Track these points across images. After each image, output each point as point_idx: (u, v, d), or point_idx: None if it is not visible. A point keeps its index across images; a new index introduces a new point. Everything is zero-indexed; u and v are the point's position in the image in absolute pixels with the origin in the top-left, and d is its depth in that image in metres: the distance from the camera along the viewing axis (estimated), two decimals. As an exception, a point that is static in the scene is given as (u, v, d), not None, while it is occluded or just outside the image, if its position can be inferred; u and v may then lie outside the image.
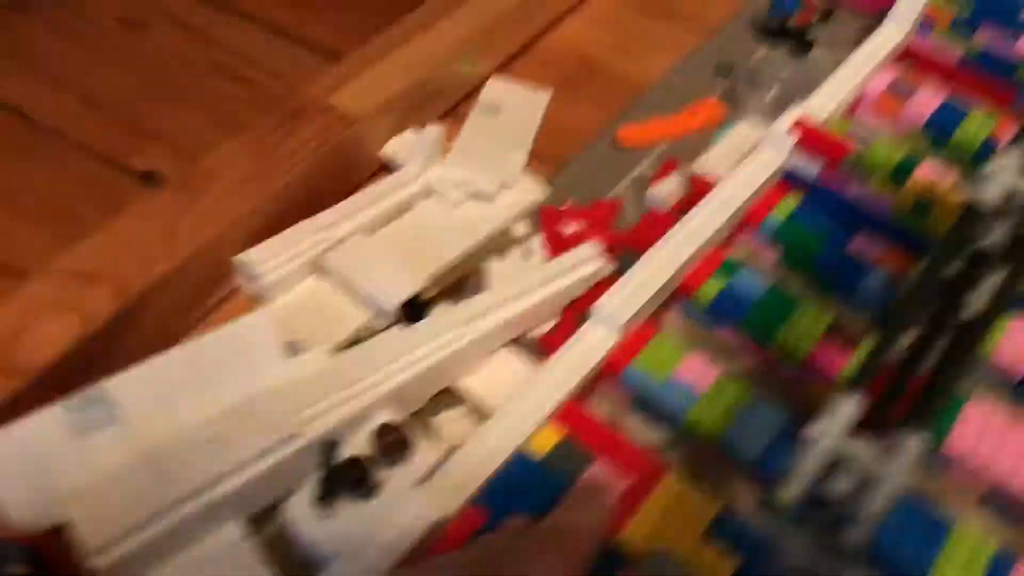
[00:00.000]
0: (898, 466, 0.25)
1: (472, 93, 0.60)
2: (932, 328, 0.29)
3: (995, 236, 0.31)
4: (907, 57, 0.61)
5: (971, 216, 0.30)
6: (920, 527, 0.37)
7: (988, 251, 0.31)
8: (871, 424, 0.26)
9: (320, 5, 0.66)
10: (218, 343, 0.39)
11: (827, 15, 0.67)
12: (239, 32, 0.63)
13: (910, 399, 0.27)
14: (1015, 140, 0.32)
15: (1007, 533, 0.40)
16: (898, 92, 0.58)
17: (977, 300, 0.30)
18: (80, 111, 0.55)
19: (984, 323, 0.27)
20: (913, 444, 0.25)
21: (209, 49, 0.62)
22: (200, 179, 0.45)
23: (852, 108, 0.59)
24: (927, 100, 0.58)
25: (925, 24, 0.62)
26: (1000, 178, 0.30)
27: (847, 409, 0.26)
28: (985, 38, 0.62)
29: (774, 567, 0.30)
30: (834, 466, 0.25)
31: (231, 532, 0.35)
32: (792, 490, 0.25)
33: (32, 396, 0.37)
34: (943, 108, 0.57)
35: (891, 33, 0.61)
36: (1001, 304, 0.28)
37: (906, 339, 0.29)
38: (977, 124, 0.56)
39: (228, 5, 0.65)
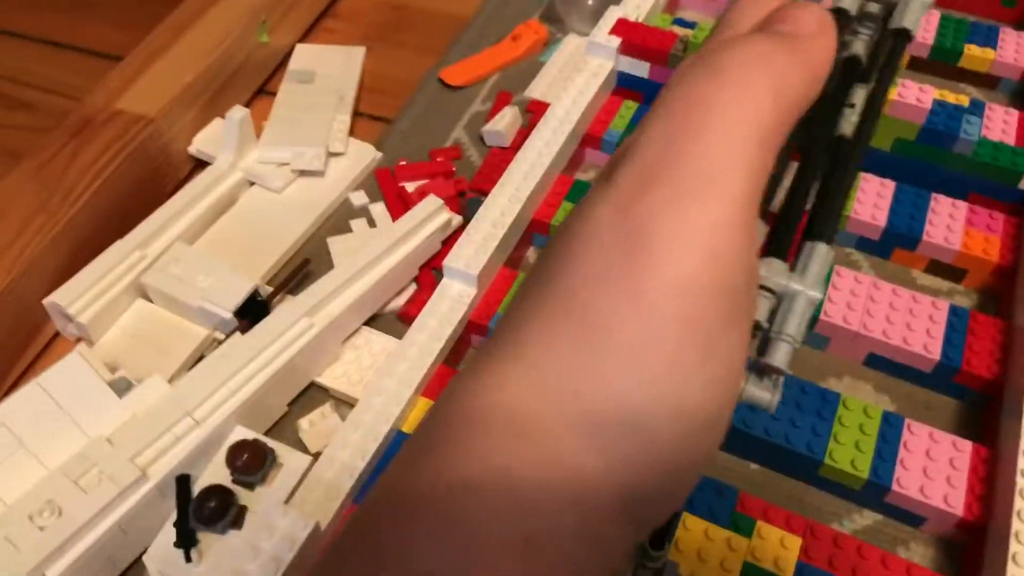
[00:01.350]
0: (811, 276, 0.24)
1: (281, 67, 0.55)
2: (811, 148, 0.28)
3: (859, 44, 0.31)
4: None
5: (838, 22, 0.29)
6: (811, 406, 0.36)
7: (858, 58, 0.30)
8: (775, 251, 0.25)
9: (97, 7, 0.60)
10: (31, 398, 0.34)
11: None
12: (15, 55, 0.57)
13: (805, 222, 0.26)
14: None
15: (893, 392, 0.40)
16: (716, -27, 0.57)
17: (851, 113, 0.29)
18: None
19: (860, 134, 0.26)
20: (819, 254, 0.24)
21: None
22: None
23: (674, 1, 0.57)
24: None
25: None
26: None
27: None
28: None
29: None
30: None
31: (93, 602, 0.32)
32: None
33: None
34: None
35: (698, -86, 0.59)
36: (876, 106, 0.27)
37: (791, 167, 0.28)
38: (798, -10, 0.55)
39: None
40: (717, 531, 0.33)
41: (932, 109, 0.45)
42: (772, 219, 0.26)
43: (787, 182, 0.28)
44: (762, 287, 0.24)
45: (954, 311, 0.39)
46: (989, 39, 0.52)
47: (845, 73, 0.30)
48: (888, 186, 0.45)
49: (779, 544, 0.33)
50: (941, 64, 0.53)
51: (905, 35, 0.28)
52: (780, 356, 0.23)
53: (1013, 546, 0.31)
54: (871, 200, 0.44)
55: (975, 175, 0.44)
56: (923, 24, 0.53)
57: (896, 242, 0.44)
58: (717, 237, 0.18)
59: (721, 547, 0.32)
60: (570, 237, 0.19)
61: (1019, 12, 0.57)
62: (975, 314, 0.39)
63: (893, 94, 0.45)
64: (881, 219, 0.43)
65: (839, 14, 0.29)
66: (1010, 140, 0.46)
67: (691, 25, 0.52)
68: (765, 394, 0.23)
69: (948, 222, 0.44)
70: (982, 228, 0.43)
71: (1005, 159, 0.44)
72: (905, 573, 0.32)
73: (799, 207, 0.27)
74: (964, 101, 0.47)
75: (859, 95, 0.30)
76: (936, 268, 0.44)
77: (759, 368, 0.23)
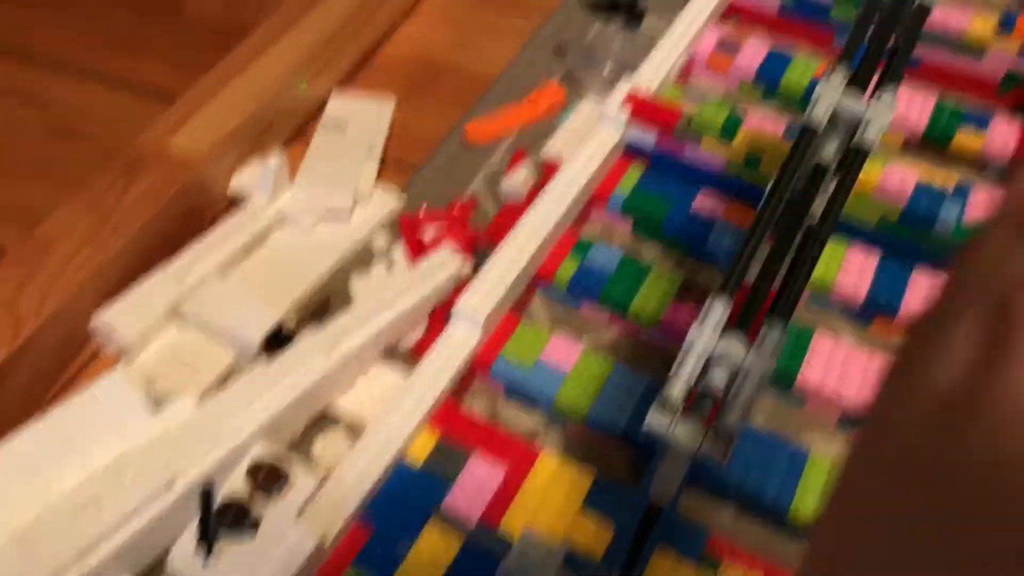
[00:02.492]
0: (762, 354, 0.27)
1: (317, 113, 0.60)
2: (782, 236, 0.31)
3: (829, 151, 0.35)
4: (731, 13, 0.64)
5: (806, 135, 0.33)
6: (780, 461, 0.39)
7: (824, 164, 0.34)
8: (738, 326, 0.29)
9: (152, 47, 0.65)
10: (78, 409, 0.38)
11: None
12: (73, 89, 0.62)
13: (769, 303, 0.29)
14: (837, 63, 0.35)
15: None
16: (726, 49, 0.61)
17: (817, 208, 0.33)
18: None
19: (823, 227, 0.30)
20: (773, 334, 0.28)
21: (44, 111, 0.60)
22: (37, 250, 0.44)
23: (686, 71, 0.61)
24: (753, 53, 0.60)
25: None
26: (826, 98, 0.34)
27: (716, 313, 0.28)
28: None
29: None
30: (708, 363, 0.27)
31: (118, 595, 0.35)
32: (677, 389, 0.27)
33: None
34: (769, 58, 0.60)
35: (712, -7, 0.63)
36: (835, 209, 0.30)
37: (762, 252, 0.32)
38: (801, 68, 0.59)
39: (57, 63, 0.63)
40: (687, 568, 0.36)
41: (913, 194, 0.48)
42: (739, 296, 0.30)
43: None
44: (721, 359, 0.28)
45: (923, 379, 0.42)
46: (981, 125, 0.56)
47: (813, 176, 0.34)
48: (872, 259, 0.48)
49: (742, 584, 0.36)
50: (934, 146, 0.56)
51: (865, 152, 0.32)
52: (734, 419, 0.26)
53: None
54: (855, 270, 0.48)
55: (955, 253, 0.48)
56: (919, 107, 0.57)
57: (877, 311, 0.47)
58: None
59: (688, 583, 0.35)
60: None
61: (1014, 98, 0.60)
62: (942, 383, 0.42)
63: (877, 178, 0.48)
64: (863, 290, 0.47)
65: (809, 131, 0.33)
66: (990, 222, 0.49)
67: (698, 98, 0.57)
68: (719, 451, 0.27)
69: (927, 295, 0.47)
70: (957, 303, 0.46)
71: (980, 240, 0.47)
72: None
73: (765, 289, 0.30)
74: (952, 182, 0.50)
75: (829, 187, 0.34)
76: (912, 338, 0.47)
77: (715, 429, 0.27)
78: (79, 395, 0.39)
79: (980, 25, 0.60)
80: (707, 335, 0.28)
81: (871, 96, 0.34)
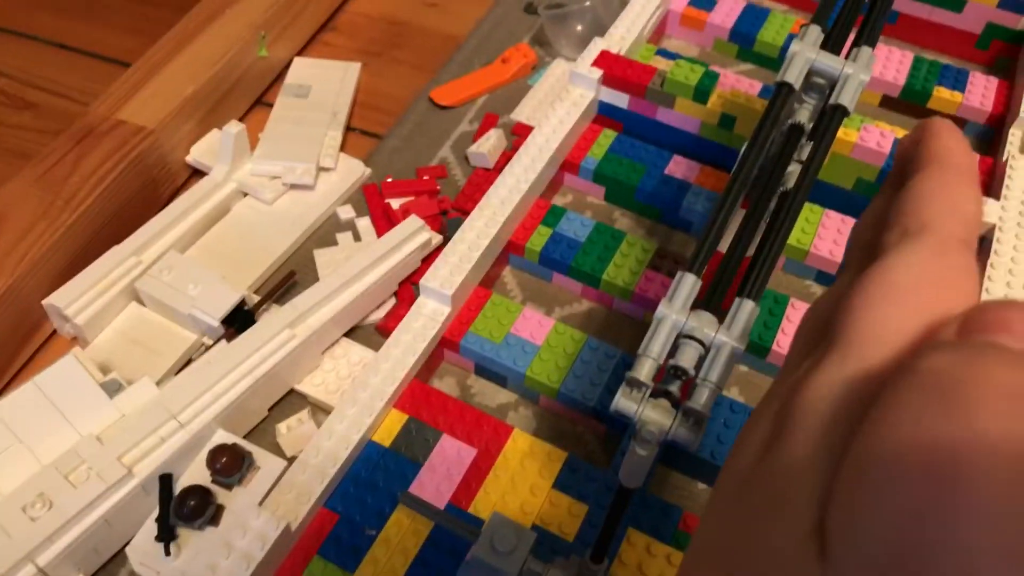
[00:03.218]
0: (734, 331, 0.26)
1: (279, 78, 0.58)
2: (756, 202, 0.30)
3: (804, 112, 0.34)
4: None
5: (781, 93, 0.32)
6: (755, 435, 0.38)
7: (800, 124, 0.33)
8: (709, 301, 0.28)
9: (112, 14, 0.62)
10: (29, 396, 0.37)
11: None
12: (27, 57, 0.59)
13: (743, 274, 0.28)
14: (811, 21, 0.34)
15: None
16: (700, 6, 0.59)
17: (793, 173, 0.32)
18: None
19: (797, 193, 0.29)
20: (745, 310, 0.27)
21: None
22: (-13, 230, 0.42)
23: (659, 30, 0.59)
24: (728, 8, 0.59)
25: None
26: (801, 56, 0.32)
27: (686, 287, 0.27)
28: (776, -63, 0.63)
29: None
30: (677, 340, 0.26)
31: (77, 589, 0.34)
32: (645, 369, 0.26)
33: None
34: (744, 14, 0.58)
35: (686, -53, 0.61)
36: (810, 173, 0.29)
37: (737, 218, 0.31)
38: (777, 25, 0.58)
39: (8, 29, 0.61)
40: (659, 547, 0.35)
41: (891, 152, 0.47)
42: (709, 270, 0.29)
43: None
44: (691, 337, 0.26)
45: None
46: (958, 82, 0.55)
47: (789, 138, 0.32)
48: (848, 222, 0.47)
49: (716, 561, 0.35)
50: (912, 104, 0.55)
51: (843, 111, 0.31)
52: (704, 401, 0.25)
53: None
54: (831, 235, 0.47)
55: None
56: (896, 64, 0.56)
57: (852, 277, 0.46)
58: None
59: (661, 562, 0.35)
60: None
61: (992, 54, 0.59)
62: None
63: (855, 137, 0.47)
64: (839, 254, 0.46)
65: (784, 87, 0.32)
66: (968, 183, 0.48)
67: (673, 56, 0.55)
68: (690, 435, 0.26)
69: (902, 260, 0.46)
70: (934, 267, 0.46)
71: (958, 203, 0.46)
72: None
73: (737, 261, 0.29)
74: (928, 142, 0.49)
75: (805, 153, 0.32)
76: (889, 303, 0.46)
77: (685, 411, 0.26)
78: (31, 381, 0.37)
79: (960, -22, 0.59)
80: (676, 311, 0.27)
81: (847, 54, 0.33)
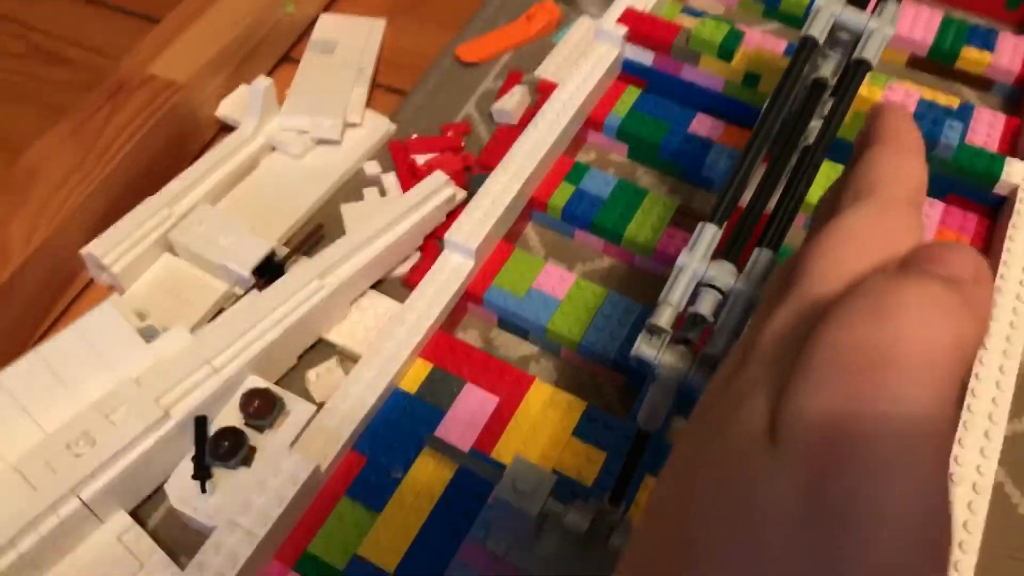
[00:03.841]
0: (751, 280, 0.27)
1: (305, 34, 0.58)
2: (777, 157, 0.31)
3: (828, 67, 0.34)
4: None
5: (805, 47, 0.32)
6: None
7: (823, 79, 0.33)
8: (728, 251, 0.28)
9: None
10: (69, 342, 0.38)
11: None
12: (57, 10, 0.60)
13: (762, 227, 0.29)
14: None
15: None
16: (728, -38, 0.59)
17: (815, 128, 0.33)
18: None
19: (818, 148, 0.29)
20: (763, 260, 0.27)
21: (26, 34, 0.59)
22: (23, 178, 0.43)
23: (685, -14, 0.59)
24: (756, -35, 0.58)
25: None
26: (827, 9, 0.33)
27: (706, 238, 0.28)
28: None
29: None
30: (697, 289, 0.28)
31: (119, 522, 0.36)
32: (665, 316, 0.27)
33: None
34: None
35: (714, -97, 0.60)
36: (832, 128, 0.30)
37: (758, 173, 0.31)
38: (805, -17, 0.57)
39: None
40: (676, 494, 0.36)
41: (917, 112, 0.47)
42: (730, 224, 0.30)
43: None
44: (710, 285, 0.27)
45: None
46: (987, 42, 0.54)
47: (811, 93, 0.33)
48: (870, 182, 0.47)
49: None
50: (939, 64, 0.55)
51: (866, 65, 0.31)
52: (721, 347, 0.26)
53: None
54: (853, 195, 0.47)
55: (954, 177, 0.47)
56: (924, 23, 0.55)
57: (873, 236, 0.46)
58: (928, 512, 0.16)
59: (677, 508, 0.36)
60: (730, 514, 0.17)
61: (1021, 15, 0.59)
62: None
63: (880, 96, 0.47)
64: (860, 214, 0.46)
65: (808, 40, 0.32)
66: (993, 145, 0.48)
67: (698, 14, 0.55)
68: (706, 381, 0.27)
69: (925, 219, 0.46)
70: (955, 228, 0.46)
71: (983, 164, 0.46)
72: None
73: (757, 213, 0.30)
74: (955, 103, 0.49)
75: (827, 109, 0.33)
76: (909, 263, 0.46)
77: (703, 357, 0.27)
78: (70, 328, 0.39)
79: (993, -65, 0.58)
80: (696, 261, 0.28)
81: (873, 9, 0.33)
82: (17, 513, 0.34)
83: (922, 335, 0.16)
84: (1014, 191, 0.45)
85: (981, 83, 0.55)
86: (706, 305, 0.27)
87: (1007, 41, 0.54)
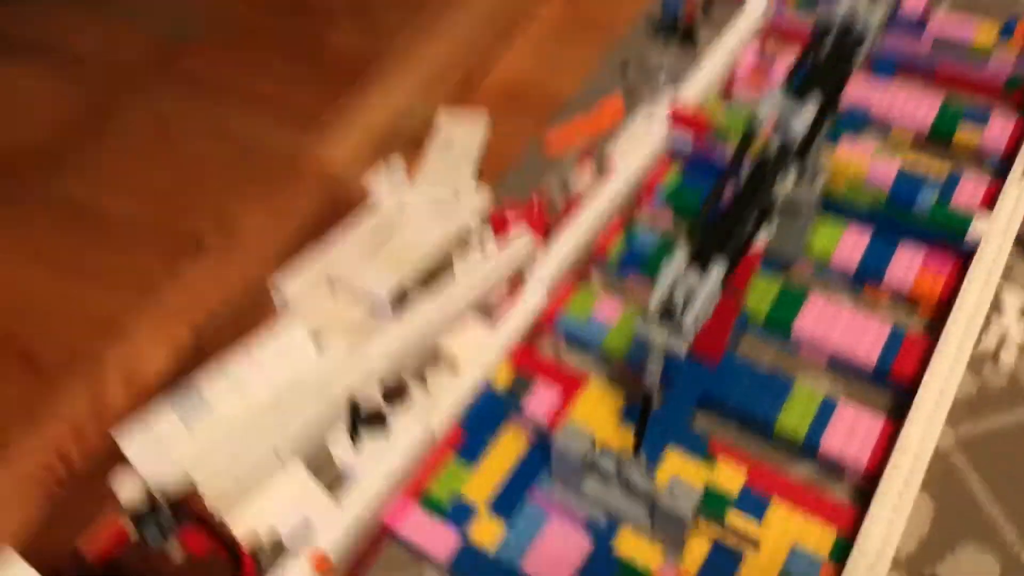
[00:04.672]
0: (707, 280, 0.41)
1: (429, 127, 0.76)
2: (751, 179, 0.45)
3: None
4: (769, 33, 0.75)
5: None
6: (769, 388, 0.52)
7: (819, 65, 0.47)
8: (695, 261, 0.42)
9: (298, 78, 0.83)
10: (267, 345, 0.56)
11: (708, 5, 0.81)
12: (246, 117, 0.80)
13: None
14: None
15: (841, 386, 0.55)
16: (763, 63, 0.73)
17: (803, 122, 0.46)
18: (144, 203, 0.72)
19: (805, 146, 0.43)
20: (718, 265, 0.41)
21: (226, 139, 0.78)
22: (235, 241, 0.62)
23: (730, 83, 0.73)
24: (786, 63, 0.72)
25: (780, 2, 0.76)
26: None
27: (681, 253, 0.42)
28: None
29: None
30: (673, 287, 0.41)
31: (297, 468, 0.52)
32: (653, 305, 0.41)
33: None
34: (798, 65, 0.72)
35: (752, 13, 0.75)
36: (817, 127, 0.43)
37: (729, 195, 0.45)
38: (825, 78, 0.71)
39: (236, 92, 0.82)
40: (692, 463, 0.50)
41: (896, 180, 0.59)
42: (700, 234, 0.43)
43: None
44: (682, 285, 0.41)
45: (894, 331, 0.54)
46: (980, 120, 0.66)
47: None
48: (865, 234, 0.60)
49: (730, 474, 0.49)
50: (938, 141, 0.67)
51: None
52: (688, 325, 0.40)
53: (891, 485, 0.46)
54: (851, 244, 0.59)
55: (931, 230, 0.59)
56: (926, 108, 0.67)
57: (867, 278, 0.59)
58: None
59: (692, 469, 0.49)
60: None
61: (1020, 97, 0.70)
62: (909, 334, 0.54)
63: (867, 167, 0.60)
64: (856, 260, 0.59)
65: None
66: (975, 204, 0.60)
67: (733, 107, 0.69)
68: (677, 347, 0.41)
69: (908, 264, 0.58)
70: (934, 270, 0.58)
71: (953, 221, 0.58)
72: (809, 495, 0.48)
73: (726, 230, 0.43)
74: (944, 172, 0.61)
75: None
76: (897, 299, 0.58)
77: (672, 328, 0.41)
78: (268, 335, 0.56)
79: (984, 36, 0.70)
80: (674, 269, 0.42)
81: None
82: (235, 463, 0.50)
83: None
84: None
85: (975, 156, 0.66)
86: (677, 298, 0.41)
87: (998, 119, 0.66)
